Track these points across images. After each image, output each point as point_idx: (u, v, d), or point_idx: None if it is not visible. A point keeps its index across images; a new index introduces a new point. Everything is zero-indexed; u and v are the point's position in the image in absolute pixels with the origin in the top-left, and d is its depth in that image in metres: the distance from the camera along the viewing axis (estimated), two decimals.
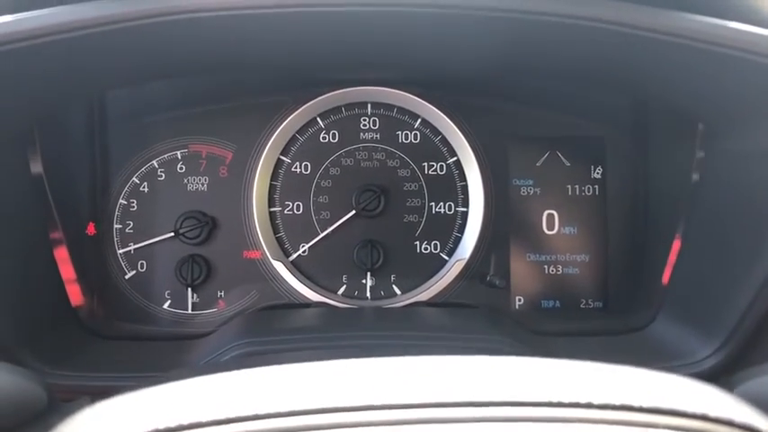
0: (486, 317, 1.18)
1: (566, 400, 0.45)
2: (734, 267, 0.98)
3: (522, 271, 1.25)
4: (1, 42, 0.82)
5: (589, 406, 0.45)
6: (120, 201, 1.21)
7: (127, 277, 1.21)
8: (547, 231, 1.26)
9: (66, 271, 1.15)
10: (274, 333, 1.08)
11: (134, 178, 1.21)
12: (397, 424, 0.43)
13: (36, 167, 1.08)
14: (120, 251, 1.21)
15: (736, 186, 0.99)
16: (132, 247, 1.21)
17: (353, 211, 1.21)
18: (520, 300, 1.25)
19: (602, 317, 1.24)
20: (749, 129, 0.93)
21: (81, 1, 0.86)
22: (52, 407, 0.72)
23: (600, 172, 1.26)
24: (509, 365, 0.54)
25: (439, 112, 1.23)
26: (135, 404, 0.49)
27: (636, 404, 0.45)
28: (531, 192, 1.26)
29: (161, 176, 1.22)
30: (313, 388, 0.49)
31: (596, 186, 1.26)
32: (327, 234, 1.22)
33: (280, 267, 1.20)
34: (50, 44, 0.84)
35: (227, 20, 0.87)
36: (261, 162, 1.20)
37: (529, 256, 1.25)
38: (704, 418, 0.45)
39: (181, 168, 1.22)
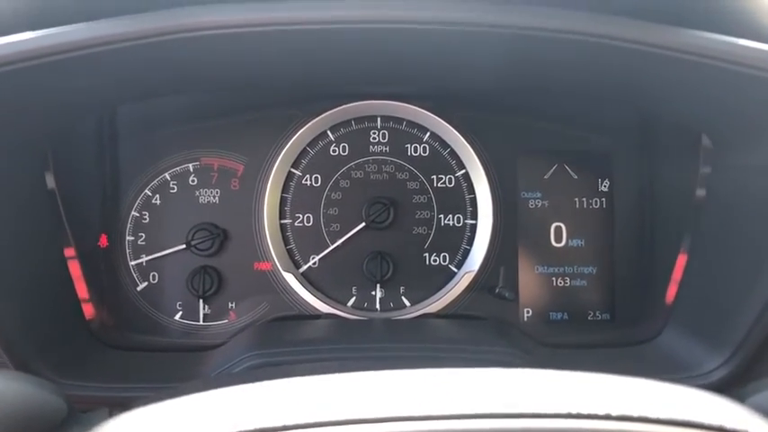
0: (494, 329, 1.18)
1: (584, 412, 0.46)
2: (740, 280, 0.99)
3: (531, 283, 1.26)
4: (19, 59, 0.84)
5: (607, 417, 0.46)
6: (133, 213, 1.22)
7: (139, 289, 1.22)
8: (555, 244, 1.27)
9: (79, 283, 1.17)
10: (285, 344, 1.09)
11: (146, 191, 1.23)
12: None
13: (50, 182, 1.10)
14: (132, 263, 1.22)
15: (741, 199, 1.01)
16: (144, 258, 1.22)
17: (363, 224, 1.22)
18: (528, 312, 1.26)
19: (609, 329, 1.25)
20: (754, 143, 0.94)
21: (96, 18, 0.88)
22: (72, 417, 0.73)
23: (607, 185, 1.27)
24: (524, 377, 0.55)
25: (448, 125, 1.24)
26: (156, 416, 0.50)
27: (653, 416, 0.46)
28: (540, 204, 1.27)
29: (173, 189, 1.23)
30: (331, 400, 0.50)
31: (603, 199, 1.27)
32: (337, 246, 1.23)
33: (290, 279, 1.21)
34: (67, 61, 0.86)
35: (240, 37, 0.89)
36: (272, 175, 1.22)
37: (537, 269, 1.26)
38: (721, 429, 0.46)
39: (193, 181, 1.23)
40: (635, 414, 0.46)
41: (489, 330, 1.19)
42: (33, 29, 0.86)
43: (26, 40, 0.84)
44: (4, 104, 0.90)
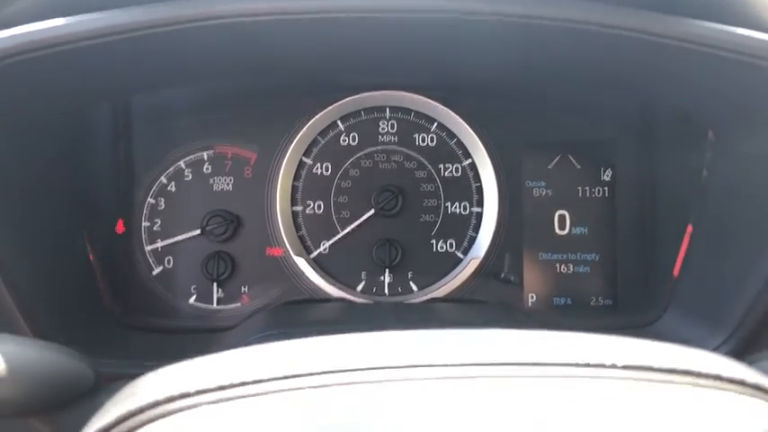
0: (499, 312, 1.22)
1: (593, 362, 0.49)
2: (740, 263, 1.02)
3: (535, 269, 1.29)
4: (42, 46, 0.88)
5: (613, 366, 0.49)
6: (149, 200, 1.26)
7: (154, 273, 1.26)
8: (558, 231, 1.30)
9: (97, 267, 1.21)
10: (296, 326, 1.12)
11: (162, 178, 1.26)
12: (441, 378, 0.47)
13: (69, 169, 1.14)
14: (148, 248, 1.26)
15: (741, 186, 1.04)
16: (160, 244, 1.26)
17: (372, 211, 1.26)
18: (533, 297, 1.29)
19: (612, 314, 1.28)
20: (755, 132, 0.98)
21: (118, 7, 0.91)
22: (99, 386, 0.77)
23: (609, 174, 1.30)
24: (534, 335, 0.59)
25: (455, 115, 1.28)
26: (197, 368, 0.54)
27: (653, 365, 0.49)
28: (544, 193, 1.30)
29: (188, 177, 1.27)
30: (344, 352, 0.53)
31: (606, 188, 1.30)
32: (347, 232, 1.26)
33: (302, 264, 1.24)
34: (87, 48, 0.89)
35: (253, 26, 0.93)
36: (284, 163, 1.26)
37: (541, 255, 1.30)
38: (717, 377, 0.49)
39: (207, 169, 1.27)
40: (639, 364, 0.49)
41: (494, 314, 1.22)
42: (55, 16, 0.90)
43: (47, 28, 0.88)
44: (25, 91, 0.94)
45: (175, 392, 0.46)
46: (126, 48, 0.93)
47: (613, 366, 0.50)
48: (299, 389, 0.47)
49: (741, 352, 1.00)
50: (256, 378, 0.48)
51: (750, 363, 0.70)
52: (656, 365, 0.50)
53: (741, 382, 0.50)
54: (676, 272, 1.17)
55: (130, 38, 0.90)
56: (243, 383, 0.48)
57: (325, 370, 0.48)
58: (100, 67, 1.00)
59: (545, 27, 0.85)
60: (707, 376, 0.50)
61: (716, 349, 1.01)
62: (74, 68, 0.94)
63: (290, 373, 0.48)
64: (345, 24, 0.94)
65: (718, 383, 0.49)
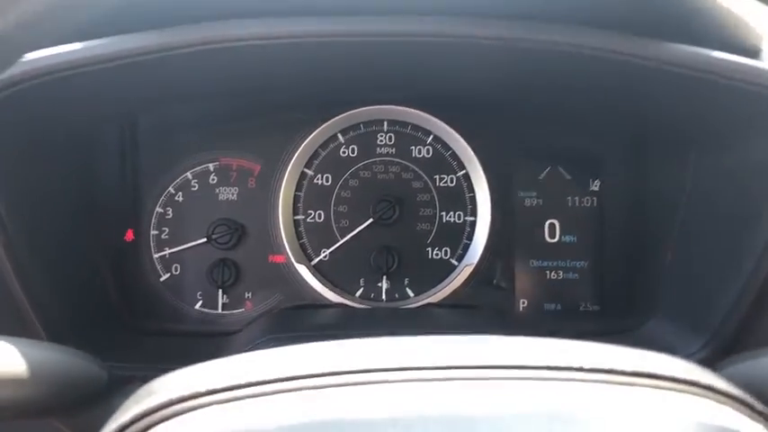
0: (492, 317, 1.28)
1: (562, 365, 0.55)
2: (719, 271, 1.08)
3: (526, 276, 1.35)
4: (58, 69, 0.94)
5: (580, 369, 0.55)
6: (157, 209, 1.32)
7: (162, 279, 1.32)
8: (549, 239, 1.36)
9: (108, 273, 1.27)
10: (297, 330, 1.18)
11: (170, 188, 1.32)
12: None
13: (83, 183, 1.20)
14: (156, 255, 1.32)
15: (721, 198, 1.10)
16: (167, 251, 1.32)
17: (371, 220, 1.32)
18: (524, 302, 1.35)
19: (599, 319, 1.34)
20: (733, 146, 1.04)
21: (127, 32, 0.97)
22: (113, 387, 0.82)
23: (598, 185, 1.36)
24: (509, 341, 0.64)
25: (450, 129, 1.33)
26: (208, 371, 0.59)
27: (620, 368, 0.55)
28: (535, 203, 1.36)
29: (194, 187, 1.33)
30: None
31: (594, 198, 1.36)
32: (346, 240, 1.32)
33: (303, 270, 1.30)
34: (98, 72, 0.96)
35: (260, 49, 0.99)
36: (286, 174, 1.31)
37: (532, 262, 1.36)
38: (673, 379, 0.55)
39: (213, 180, 1.33)
40: (605, 367, 0.55)
41: (487, 319, 1.28)
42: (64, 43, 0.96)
43: (62, 53, 0.94)
44: (36, 115, 1.00)
45: (187, 392, 0.52)
46: (132, 72, 0.99)
47: (580, 369, 0.55)
48: (298, 389, 0.53)
49: (720, 356, 1.06)
50: (261, 379, 0.54)
51: (723, 366, 0.76)
52: (617, 368, 0.55)
53: (694, 384, 0.55)
54: (659, 284, 1.23)
55: (136, 62, 0.96)
56: (249, 384, 0.53)
57: (321, 372, 0.54)
58: (107, 91, 1.07)
59: (520, 49, 0.91)
60: (662, 378, 0.55)
61: (695, 353, 1.07)
62: (80, 93, 1.01)
63: (290, 375, 0.54)
64: (338, 47, 1.00)
65: (674, 385, 0.55)
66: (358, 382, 0.53)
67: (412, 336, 0.63)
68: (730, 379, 0.65)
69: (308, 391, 0.53)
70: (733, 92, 0.91)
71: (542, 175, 1.36)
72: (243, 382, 0.53)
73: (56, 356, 0.78)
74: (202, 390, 0.52)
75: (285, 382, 0.54)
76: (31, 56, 0.92)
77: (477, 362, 0.55)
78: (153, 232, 1.32)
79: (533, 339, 0.64)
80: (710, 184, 1.12)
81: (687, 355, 1.07)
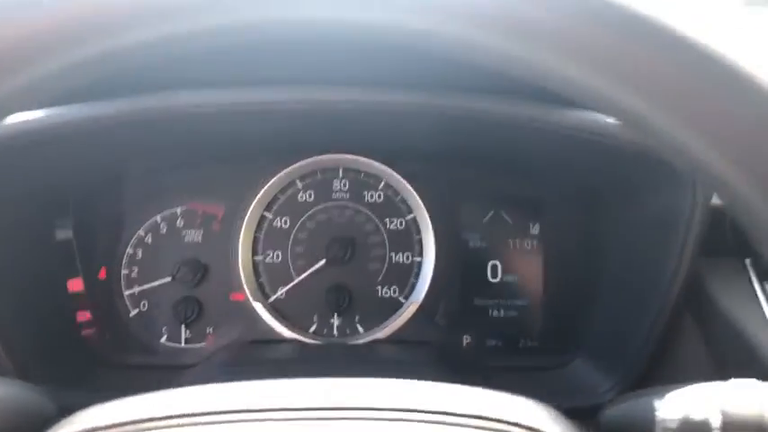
0: (436, 352, 1.37)
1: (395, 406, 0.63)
2: (632, 312, 1.18)
3: (470, 313, 1.45)
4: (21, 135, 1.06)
5: (407, 410, 0.63)
6: (128, 250, 1.43)
7: (131, 315, 1.43)
8: (491, 279, 1.46)
9: (82, 310, 1.38)
10: (251, 364, 1.29)
11: (140, 231, 1.44)
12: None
13: (62, 231, 1.34)
14: (126, 293, 1.43)
15: (634, 246, 1.20)
16: (137, 289, 1.43)
17: (324, 260, 1.42)
18: (467, 338, 1.45)
19: (537, 355, 1.43)
20: (635, 199, 1.15)
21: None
22: (60, 418, 0.92)
23: (537, 228, 1.46)
24: (354, 383, 0.70)
25: (398, 176, 1.44)
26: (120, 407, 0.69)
27: (453, 410, 0.63)
28: (478, 245, 1.46)
29: (163, 230, 1.44)
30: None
31: (534, 241, 1.46)
32: (302, 279, 1.43)
33: (259, 308, 1.40)
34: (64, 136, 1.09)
35: (217, 114, 1.12)
36: (247, 218, 1.42)
37: (475, 300, 1.45)
38: (516, 425, 0.64)
39: (180, 223, 1.44)
40: (439, 409, 0.63)
41: (431, 354, 1.38)
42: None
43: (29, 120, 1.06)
44: (25, 169, 1.13)
45: (88, 426, 0.61)
46: (101, 136, 1.12)
47: (413, 410, 0.64)
48: (193, 425, 0.63)
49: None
50: (164, 415, 0.64)
51: (609, 406, 0.85)
52: (453, 410, 0.64)
53: (516, 424, 0.64)
54: (586, 323, 1.33)
55: (100, 128, 1.09)
56: (151, 419, 0.64)
57: (212, 411, 0.64)
58: (78, 153, 1.19)
59: (413, 113, 1.04)
60: (507, 423, 0.65)
61: (607, 392, 1.16)
62: (51, 154, 1.14)
63: (189, 412, 0.64)
64: (301, 111, 1.13)
65: (503, 426, 0.64)
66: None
67: (332, 376, 0.71)
68: (607, 420, 0.74)
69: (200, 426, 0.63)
70: (609, 151, 1.02)
71: (486, 218, 1.47)
72: (145, 416, 0.63)
73: None
74: (102, 424, 0.62)
75: (184, 418, 0.64)
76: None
77: (319, 403, 0.63)
78: (124, 271, 1.43)
79: (380, 381, 0.70)
80: (624, 233, 1.23)
81: (600, 393, 1.17)
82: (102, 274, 1.43)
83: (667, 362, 1.13)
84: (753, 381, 0.63)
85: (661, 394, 0.64)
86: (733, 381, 0.63)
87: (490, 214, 1.47)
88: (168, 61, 1.03)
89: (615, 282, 1.26)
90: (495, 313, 1.45)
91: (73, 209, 1.38)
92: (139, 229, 1.44)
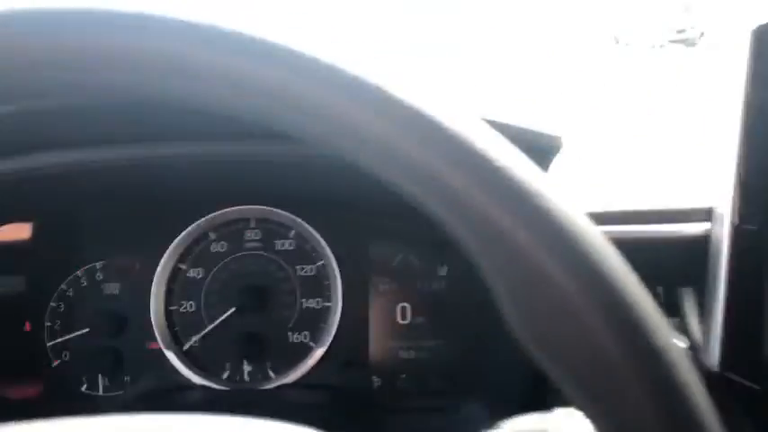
0: (346, 395, 1.40)
1: None
2: (497, 357, 1.21)
3: (380, 355, 1.48)
4: None
5: None
6: (51, 303, 1.51)
7: (54, 365, 1.49)
8: (401, 321, 1.49)
9: (7, 360, 1.45)
10: (163, 411, 1.33)
11: (62, 285, 1.51)
12: None
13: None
14: (49, 344, 1.50)
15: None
16: (59, 340, 1.49)
17: (234, 308, 1.47)
18: (378, 381, 1.47)
19: (446, 396, 1.45)
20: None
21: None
22: None
23: (445, 271, 1.50)
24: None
25: (307, 225, 1.49)
26: None
27: None
28: (388, 287, 1.50)
29: (83, 283, 1.51)
30: None
31: (442, 282, 1.49)
32: (213, 327, 1.48)
33: (171, 357, 1.45)
34: None
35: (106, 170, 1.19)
36: (160, 269, 1.49)
37: (386, 343, 1.48)
38: None
39: (99, 276, 1.51)
40: None
41: (341, 397, 1.41)
42: None
43: None
44: None
45: None
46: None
47: None
48: None
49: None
50: None
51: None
52: None
53: None
54: (478, 364, 1.35)
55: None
56: None
57: None
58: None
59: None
60: None
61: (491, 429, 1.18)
62: None
63: None
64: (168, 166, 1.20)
65: None
66: None
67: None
68: None
69: None
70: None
71: (395, 261, 1.51)
72: None
73: None
74: None
75: None
76: None
77: None
78: (47, 323, 1.50)
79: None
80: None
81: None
82: (27, 327, 1.50)
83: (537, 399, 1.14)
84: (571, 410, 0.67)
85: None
86: (557, 410, 0.67)
87: (399, 257, 1.51)
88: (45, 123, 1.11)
89: (491, 325, 1.28)
90: (405, 355, 1.48)
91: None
92: (62, 283, 1.51)
